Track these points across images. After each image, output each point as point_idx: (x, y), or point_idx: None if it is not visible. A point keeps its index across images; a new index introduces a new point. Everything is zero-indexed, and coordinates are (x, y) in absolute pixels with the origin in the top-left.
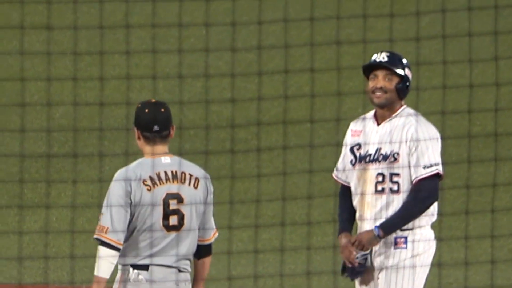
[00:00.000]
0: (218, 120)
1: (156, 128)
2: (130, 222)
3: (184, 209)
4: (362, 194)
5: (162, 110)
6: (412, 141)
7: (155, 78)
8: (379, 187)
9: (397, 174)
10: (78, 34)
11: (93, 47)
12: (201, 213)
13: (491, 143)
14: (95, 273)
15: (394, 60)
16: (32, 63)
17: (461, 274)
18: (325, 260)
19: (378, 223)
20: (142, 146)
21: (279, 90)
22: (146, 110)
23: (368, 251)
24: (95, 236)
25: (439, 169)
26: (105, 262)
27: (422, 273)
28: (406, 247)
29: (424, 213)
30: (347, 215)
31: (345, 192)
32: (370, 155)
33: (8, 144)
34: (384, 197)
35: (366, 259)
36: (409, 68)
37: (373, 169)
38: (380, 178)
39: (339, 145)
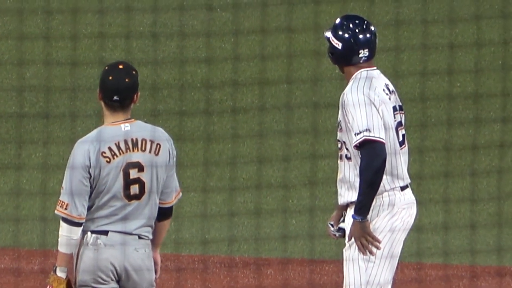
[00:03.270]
0: (193, 80)
1: (116, 98)
2: (91, 194)
3: (145, 177)
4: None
5: (127, 80)
6: (343, 108)
7: (128, 37)
8: (339, 154)
9: (345, 142)
10: None
11: (66, 4)
12: (162, 179)
13: (471, 104)
14: (58, 248)
15: (330, 26)
16: (3, 21)
17: (440, 239)
18: (301, 224)
19: (341, 193)
20: (102, 107)
21: (255, 50)
22: (110, 77)
23: (341, 223)
24: (55, 211)
25: (367, 135)
26: (67, 239)
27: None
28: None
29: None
30: None
31: None
32: None
33: None
34: (341, 164)
35: (338, 226)
36: (337, 35)
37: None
38: (339, 145)
39: (316, 106)
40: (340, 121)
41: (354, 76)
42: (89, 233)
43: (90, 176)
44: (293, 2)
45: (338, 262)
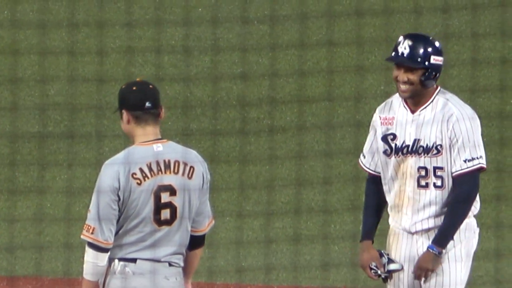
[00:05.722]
0: (228, 97)
1: (148, 104)
2: (119, 218)
3: (177, 202)
4: (401, 188)
5: (151, 86)
6: (454, 131)
7: (159, 51)
8: (423, 182)
9: (441, 168)
10: (75, 3)
11: (92, 17)
12: (195, 204)
13: None
14: (84, 275)
15: (417, 53)
16: (25, 35)
17: (492, 266)
18: (343, 251)
19: (417, 220)
20: (132, 130)
21: (294, 65)
22: (134, 88)
23: (390, 264)
24: (81, 236)
25: (482, 162)
26: (93, 265)
27: (466, 264)
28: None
29: None
30: (373, 212)
31: (374, 182)
32: (407, 146)
33: None
34: (428, 193)
35: (387, 269)
36: (438, 53)
37: (413, 162)
38: (422, 173)
39: (359, 125)
40: (438, 145)
41: (436, 94)
42: (116, 260)
43: (119, 199)
44: (335, 14)
45: None
